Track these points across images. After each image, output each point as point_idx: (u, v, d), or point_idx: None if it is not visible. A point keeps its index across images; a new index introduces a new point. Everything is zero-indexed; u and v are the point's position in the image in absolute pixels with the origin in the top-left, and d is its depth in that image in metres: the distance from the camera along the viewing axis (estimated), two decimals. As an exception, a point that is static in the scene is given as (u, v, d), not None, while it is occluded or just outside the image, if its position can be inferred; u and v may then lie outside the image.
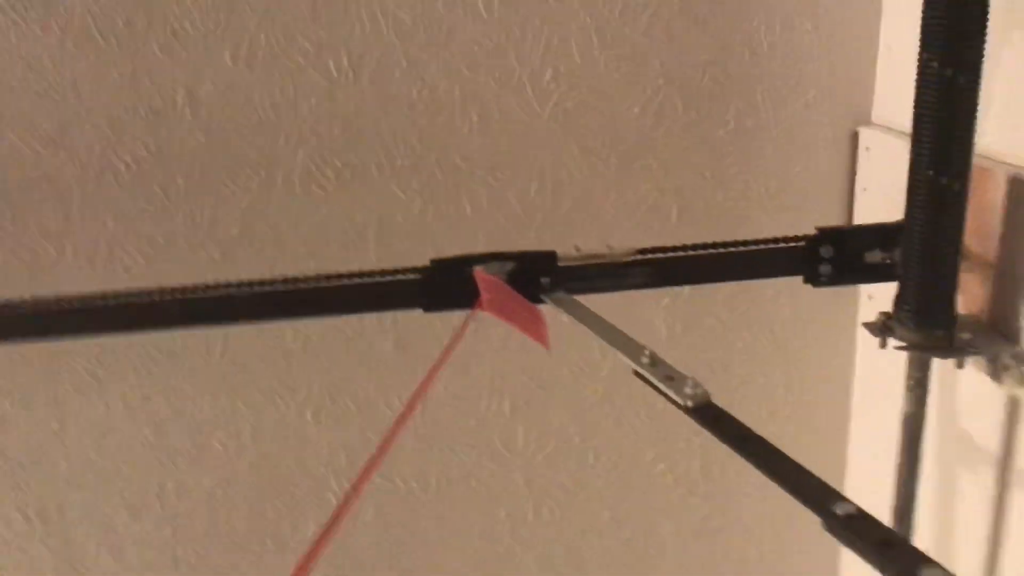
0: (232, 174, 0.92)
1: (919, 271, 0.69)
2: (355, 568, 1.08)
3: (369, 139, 0.92)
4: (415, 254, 0.94)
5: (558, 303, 0.71)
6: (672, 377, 0.55)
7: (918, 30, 0.88)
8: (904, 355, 0.76)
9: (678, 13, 0.91)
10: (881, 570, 0.37)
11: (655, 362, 0.57)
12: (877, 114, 0.95)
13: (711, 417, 0.51)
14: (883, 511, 0.82)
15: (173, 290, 0.76)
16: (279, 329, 0.98)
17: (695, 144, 0.96)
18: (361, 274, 0.77)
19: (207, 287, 0.77)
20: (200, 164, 0.91)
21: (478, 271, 0.71)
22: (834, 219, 0.99)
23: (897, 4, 0.91)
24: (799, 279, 0.80)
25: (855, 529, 0.39)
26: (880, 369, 1.01)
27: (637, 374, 0.58)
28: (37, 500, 1.01)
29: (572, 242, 0.96)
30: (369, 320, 0.99)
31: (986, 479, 0.78)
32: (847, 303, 1.02)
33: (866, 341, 1.03)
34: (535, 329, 0.65)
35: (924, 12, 0.64)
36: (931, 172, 0.66)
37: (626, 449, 1.07)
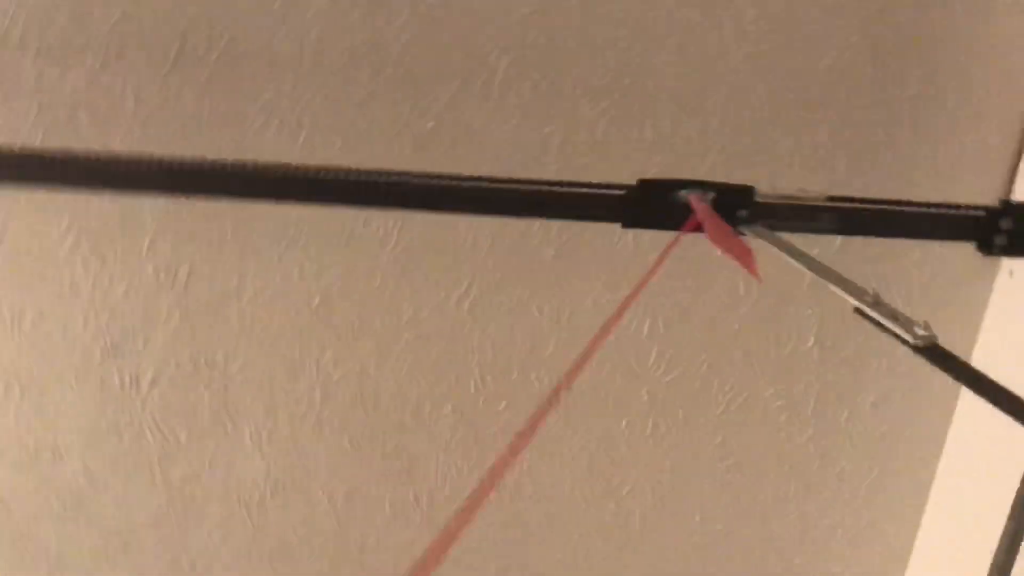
0: (437, 71, 0.97)
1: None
2: (480, 447, 1.16)
3: (569, 56, 0.97)
4: (593, 169, 1.01)
5: (759, 235, 0.77)
6: (898, 317, 0.61)
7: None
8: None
9: (886, -27, 0.93)
10: None
11: (879, 302, 0.63)
12: (1058, 98, 0.98)
13: (940, 356, 0.56)
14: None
15: (370, 172, 0.82)
16: (451, 224, 1.05)
17: (874, 103, 0.99)
18: (568, 183, 0.83)
19: (412, 174, 0.83)
20: (410, 57, 0.96)
21: (694, 198, 0.77)
22: (996, 193, 1.03)
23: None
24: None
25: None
26: (1001, 348, 1.06)
27: (859, 312, 0.63)
28: (206, 348, 1.10)
29: (743, 178, 1.01)
30: (535, 227, 1.05)
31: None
32: (983, 275, 1.06)
33: (991, 318, 1.08)
34: (746, 259, 0.70)
35: None
36: None
37: (748, 383, 1.14)
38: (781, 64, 0.97)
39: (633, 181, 0.94)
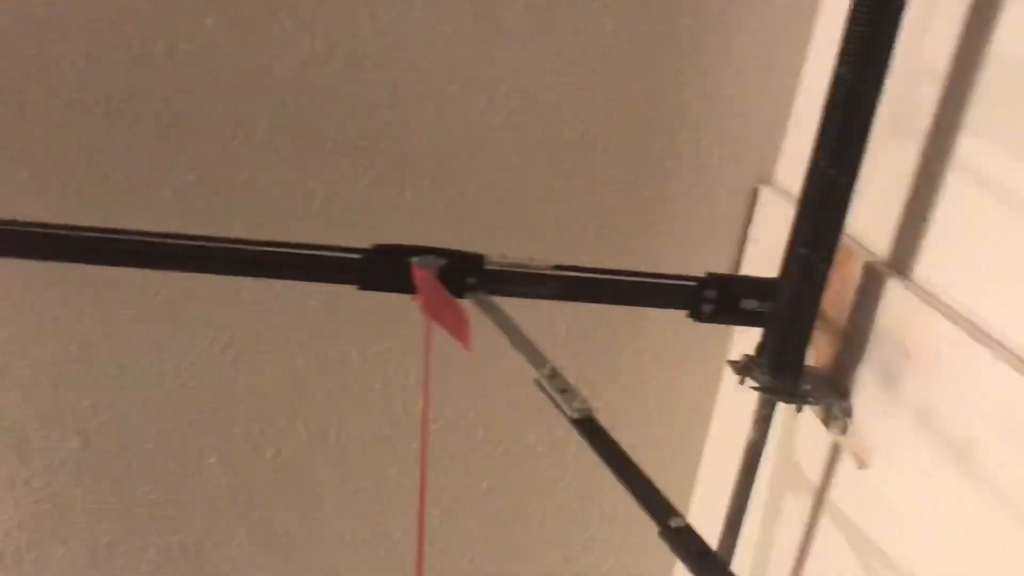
0: (199, 126, 0.98)
1: (780, 328, 0.83)
2: (248, 495, 1.17)
3: (330, 118, 1.00)
4: (353, 227, 1.04)
5: (480, 303, 0.82)
6: (566, 390, 0.67)
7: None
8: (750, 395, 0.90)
9: (625, 59, 1.01)
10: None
11: (555, 375, 0.69)
12: (778, 177, 1.09)
13: (590, 430, 0.62)
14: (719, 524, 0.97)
15: (136, 232, 0.83)
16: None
17: (619, 175, 1.07)
18: (308, 246, 0.86)
19: (164, 235, 0.84)
20: (170, 112, 0.97)
21: (416, 268, 0.81)
22: (726, 259, 1.13)
23: (810, 87, 1.04)
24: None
25: (682, 540, 0.52)
26: (738, 401, 1.16)
27: (537, 383, 0.69)
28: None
29: (499, 239, 1.07)
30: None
31: (804, 505, 0.93)
32: (722, 338, 1.16)
33: (730, 375, 1.18)
34: (460, 330, 0.75)
35: (821, 119, 0.77)
36: (803, 251, 0.79)
37: (513, 430, 1.19)
38: (535, 134, 1.04)
39: (376, 243, 0.98)
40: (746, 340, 1.12)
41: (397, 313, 1.08)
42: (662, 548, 1.28)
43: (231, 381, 1.10)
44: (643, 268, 1.03)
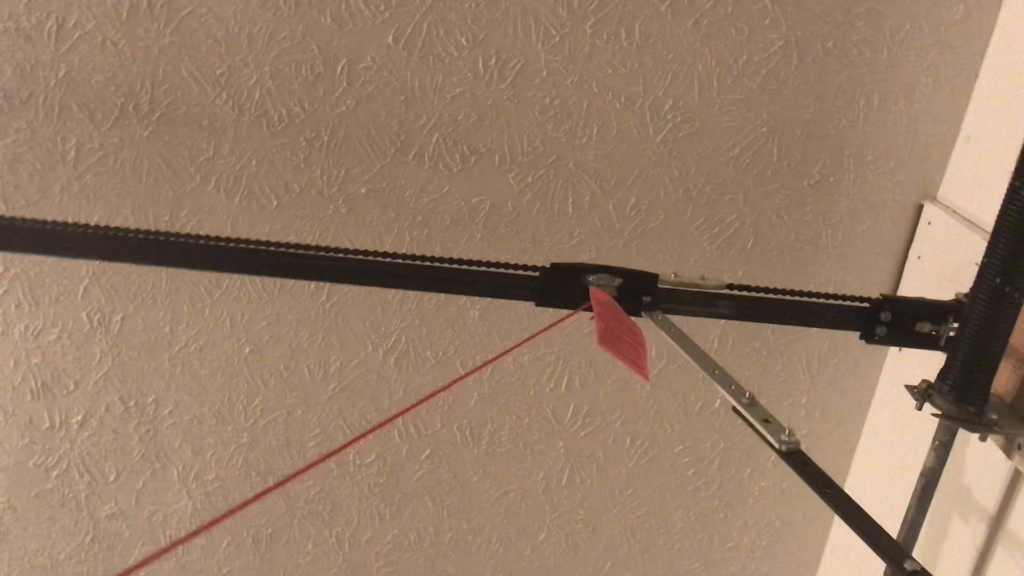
0: (372, 141, 1.02)
1: (968, 357, 0.82)
2: (402, 494, 1.21)
3: (498, 133, 1.02)
4: (516, 239, 1.07)
5: (659, 323, 0.83)
6: (769, 421, 0.67)
7: (997, 129, 0.99)
8: (909, 416, 0.89)
9: (793, 73, 1.01)
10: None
11: (754, 403, 0.70)
12: (943, 194, 1.07)
13: (800, 463, 0.63)
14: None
15: (306, 247, 0.86)
16: (381, 282, 1.09)
17: (780, 189, 1.07)
18: (489, 264, 0.89)
19: (337, 250, 0.87)
20: (346, 126, 1.01)
21: (594, 288, 0.82)
22: (886, 275, 1.11)
23: (983, 102, 1.02)
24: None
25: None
26: (889, 421, 1.14)
27: (736, 411, 0.70)
28: (136, 392, 1.13)
29: (656, 252, 1.08)
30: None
31: (978, 532, 0.92)
32: (875, 353, 1.15)
33: (883, 392, 1.16)
34: (637, 354, 0.75)
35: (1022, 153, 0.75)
36: (998, 280, 0.78)
37: (659, 439, 1.20)
38: (694, 150, 1.04)
39: (551, 256, 1.00)
40: (903, 361, 1.11)
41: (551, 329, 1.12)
42: (801, 559, 1.28)
43: (391, 384, 1.14)
44: (801, 283, 1.03)
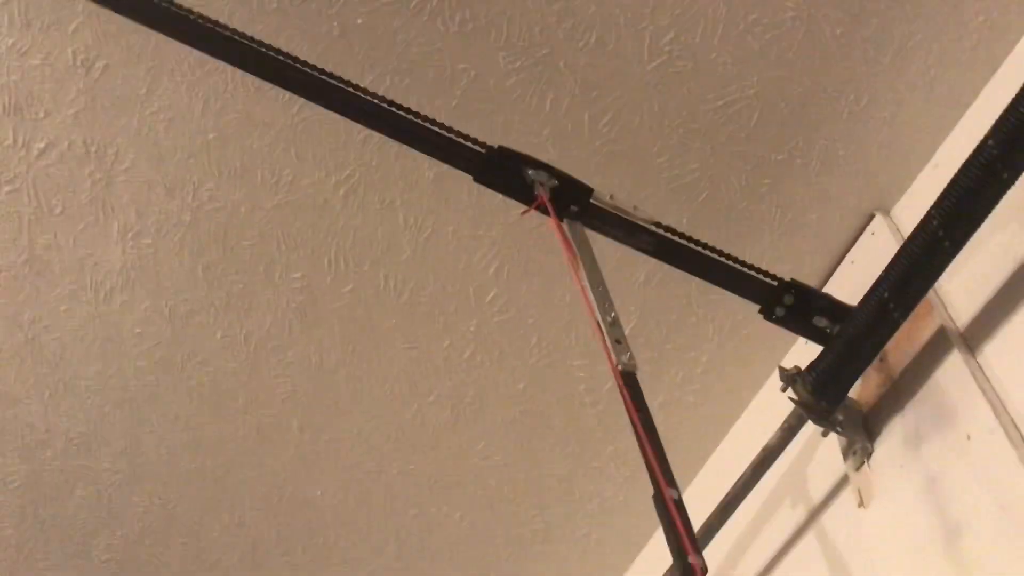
0: (380, -23, 1.03)
1: (837, 357, 0.86)
2: (316, 316, 1.27)
3: (502, 8, 1.03)
4: (487, 117, 1.09)
5: (573, 232, 0.87)
6: (620, 342, 0.72)
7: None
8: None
9: (796, 46, 1.02)
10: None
11: (616, 324, 0.74)
12: (896, 211, 1.09)
13: (629, 384, 0.68)
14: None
15: (285, 54, 0.89)
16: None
17: (748, 153, 1.09)
18: (442, 126, 0.92)
19: (314, 67, 0.90)
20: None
21: (540, 184, 0.86)
22: (818, 267, 1.15)
23: (963, 135, 1.03)
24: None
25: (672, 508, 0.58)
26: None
27: (596, 323, 0.75)
28: (100, 140, 1.17)
29: (610, 175, 1.11)
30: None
31: (796, 518, 0.99)
32: (783, 339, 1.19)
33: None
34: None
35: (952, 179, 0.78)
36: (886, 295, 0.82)
37: (562, 347, 1.26)
38: (681, 88, 1.06)
39: (501, 145, 1.03)
40: (805, 353, 1.16)
41: (496, 207, 1.15)
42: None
43: (334, 213, 1.19)
44: (735, 249, 1.07)
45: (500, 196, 1.10)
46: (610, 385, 1.28)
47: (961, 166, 0.76)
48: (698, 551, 0.55)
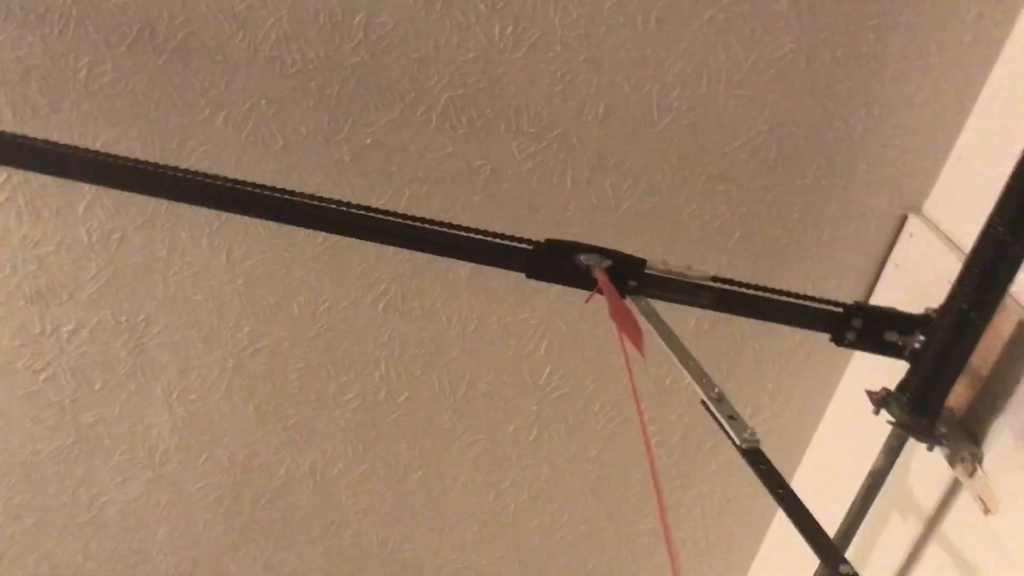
0: (382, 94, 1.03)
1: (928, 374, 0.87)
2: (377, 432, 1.26)
3: (507, 100, 1.04)
4: (513, 205, 1.10)
5: (642, 308, 0.87)
6: (734, 418, 0.72)
7: (988, 153, 1.03)
8: (863, 418, 0.94)
9: (800, 76, 1.03)
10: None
11: (722, 399, 0.74)
12: (928, 208, 1.10)
13: (757, 461, 0.68)
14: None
15: (306, 195, 0.88)
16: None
17: (773, 186, 1.10)
18: (483, 232, 0.92)
19: (338, 202, 0.89)
20: (358, 77, 1.02)
21: (597, 269, 0.86)
22: (863, 279, 1.16)
23: (979, 124, 1.05)
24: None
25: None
26: (844, 422, 1.20)
27: (704, 404, 0.75)
28: (129, 309, 1.16)
29: (647, 235, 1.12)
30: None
31: (913, 533, 0.99)
32: (840, 356, 1.20)
33: (842, 393, 1.22)
34: (637, 339, 0.78)
35: (1008, 183, 0.79)
36: (964, 306, 0.82)
37: (627, 408, 1.26)
38: (695, 140, 1.07)
39: (545, 225, 1.03)
40: (865, 366, 1.16)
41: (537, 292, 1.16)
42: (745, 536, 1.35)
43: (376, 328, 1.18)
44: (779, 279, 1.07)
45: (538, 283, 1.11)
46: (681, 435, 1.28)
47: (1014, 171, 0.77)
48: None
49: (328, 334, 1.19)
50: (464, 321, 1.19)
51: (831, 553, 0.60)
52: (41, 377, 1.21)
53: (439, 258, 1.12)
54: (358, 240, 1.11)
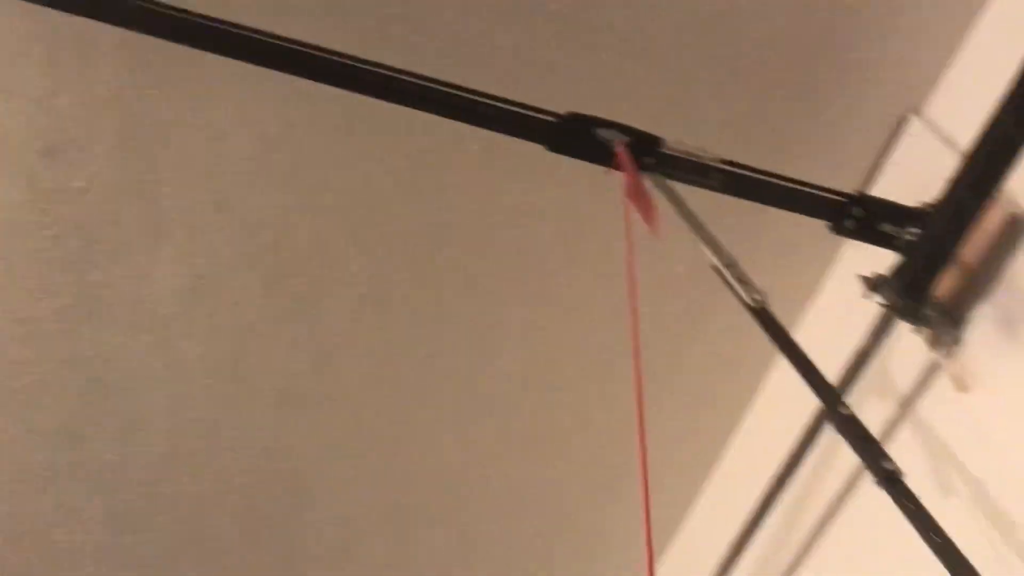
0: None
1: (922, 262, 0.92)
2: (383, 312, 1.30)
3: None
4: (532, 83, 1.11)
5: (659, 185, 0.90)
6: (744, 281, 0.76)
7: (991, 58, 1.06)
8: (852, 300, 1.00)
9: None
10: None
11: (734, 264, 0.78)
12: (929, 109, 1.14)
13: (766, 319, 0.73)
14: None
15: (341, 54, 0.89)
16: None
17: (785, 81, 1.13)
18: (508, 101, 0.94)
19: (370, 62, 0.91)
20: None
21: (618, 142, 0.88)
22: (861, 171, 1.20)
23: (985, 30, 1.08)
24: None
25: (848, 426, 0.63)
26: (832, 302, 1.26)
27: (715, 269, 0.79)
28: (142, 169, 1.16)
29: (662, 116, 1.14)
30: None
31: (888, 409, 1.05)
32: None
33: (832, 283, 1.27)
34: (650, 215, 0.82)
35: (1016, 79, 0.82)
36: (965, 194, 0.87)
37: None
38: (719, 27, 1.09)
39: (564, 106, 1.05)
40: (852, 256, 1.21)
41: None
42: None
43: (388, 202, 1.20)
44: (777, 166, 1.10)
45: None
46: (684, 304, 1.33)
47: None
48: (890, 459, 0.60)
49: (340, 204, 1.20)
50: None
51: (831, 396, 0.65)
52: (47, 233, 1.22)
53: (452, 136, 1.15)
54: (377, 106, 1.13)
